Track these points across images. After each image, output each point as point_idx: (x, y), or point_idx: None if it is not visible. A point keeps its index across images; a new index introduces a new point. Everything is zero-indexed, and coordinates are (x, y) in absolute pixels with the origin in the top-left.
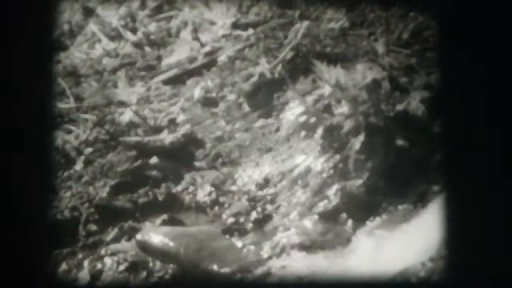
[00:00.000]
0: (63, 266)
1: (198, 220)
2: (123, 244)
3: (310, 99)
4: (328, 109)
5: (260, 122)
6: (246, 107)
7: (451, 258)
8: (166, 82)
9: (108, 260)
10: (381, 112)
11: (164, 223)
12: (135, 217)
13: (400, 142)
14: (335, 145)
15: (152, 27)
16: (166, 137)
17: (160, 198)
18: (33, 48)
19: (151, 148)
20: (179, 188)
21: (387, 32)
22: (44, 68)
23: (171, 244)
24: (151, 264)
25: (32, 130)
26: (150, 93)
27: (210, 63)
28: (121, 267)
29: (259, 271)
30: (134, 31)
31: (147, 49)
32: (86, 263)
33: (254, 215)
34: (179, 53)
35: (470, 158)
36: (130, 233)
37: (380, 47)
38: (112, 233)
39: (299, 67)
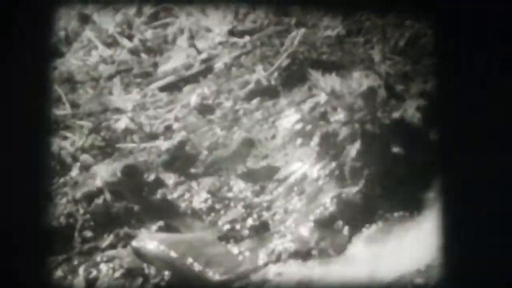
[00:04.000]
0: (59, 273)
1: (193, 226)
2: (119, 251)
3: (306, 106)
4: (324, 116)
5: (256, 129)
6: (242, 114)
7: (447, 265)
8: (162, 89)
9: (103, 267)
10: (377, 119)
11: (160, 229)
12: (131, 223)
13: (396, 149)
14: (331, 152)
15: (149, 34)
16: (162, 144)
17: (156, 205)
18: (31, 55)
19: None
20: (175, 195)
21: (383, 40)
22: (41, 75)
23: (167, 250)
24: (146, 270)
25: (28, 137)
26: (146, 100)
27: (207, 70)
28: (117, 274)
29: (255, 278)
30: (130, 38)
31: (143, 56)
32: (81, 269)
33: (250, 222)
34: (176, 60)
35: (467, 165)
36: (126, 240)
37: (376, 55)
38: (108, 239)
39: (295, 74)
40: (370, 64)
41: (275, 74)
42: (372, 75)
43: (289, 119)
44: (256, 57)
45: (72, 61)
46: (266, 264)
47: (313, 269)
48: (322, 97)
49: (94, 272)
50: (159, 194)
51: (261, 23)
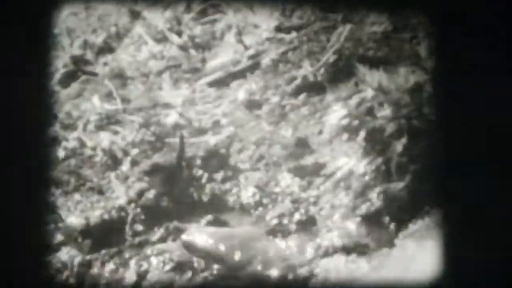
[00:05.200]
0: (110, 266)
1: (242, 221)
2: (169, 244)
3: (352, 102)
4: (370, 112)
5: (303, 125)
6: (289, 110)
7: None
8: (211, 84)
9: (154, 260)
10: (424, 115)
11: (209, 223)
12: (181, 217)
13: None
14: (378, 148)
15: (197, 30)
16: (210, 139)
17: (205, 199)
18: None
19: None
20: (223, 189)
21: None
22: (42, 72)
23: (216, 244)
24: (196, 264)
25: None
26: (194, 95)
27: (254, 66)
28: (167, 267)
29: (302, 272)
30: (179, 34)
31: (192, 51)
32: (132, 262)
33: (297, 216)
34: (224, 56)
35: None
36: (176, 234)
37: (422, 51)
38: (158, 233)
39: (342, 70)
40: (417, 59)
41: (322, 70)
42: (419, 70)
43: (336, 114)
44: (302, 53)
45: (122, 57)
46: (313, 259)
47: (360, 264)
48: (369, 93)
49: (144, 265)
50: (207, 189)
51: (308, 19)
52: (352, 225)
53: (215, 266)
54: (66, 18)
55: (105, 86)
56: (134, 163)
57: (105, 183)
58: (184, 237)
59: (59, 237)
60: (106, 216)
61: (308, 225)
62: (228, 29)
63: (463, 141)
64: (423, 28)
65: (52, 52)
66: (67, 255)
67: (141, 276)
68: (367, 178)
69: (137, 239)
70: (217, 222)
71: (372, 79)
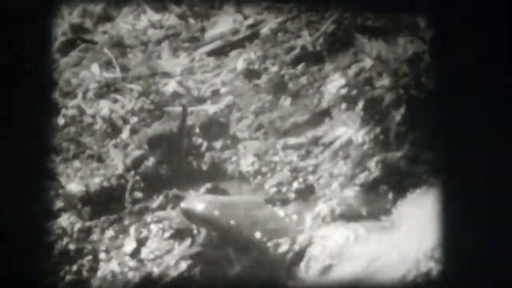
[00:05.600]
0: (110, 232)
1: (241, 189)
2: (168, 212)
3: (351, 71)
4: (369, 81)
5: (302, 95)
6: (288, 79)
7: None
8: (210, 53)
9: (153, 227)
10: (422, 85)
11: (208, 191)
12: (180, 185)
13: None
14: (376, 117)
15: None
16: (209, 108)
17: (204, 167)
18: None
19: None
20: (222, 157)
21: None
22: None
23: (215, 212)
24: (195, 231)
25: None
26: (193, 64)
27: (253, 36)
28: (166, 234)
29: (301, 240)
30: (178, 2)
31: (191, 20)
32: (132, 229)
33: (296, 185)
34: (222, 25)
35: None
36: (175, 201)
37: (421, 21)
38: (158, 200)
39: (341, 40)
40: (416, 29)
41: (321, 40)
42: (417, 41)
43: (334, 84)
44: (301, 22)
45: (121, 25)
46: (311, 227)
47: (358, 233)
48: (367, 62)
49: (144, 232)
50: (207, 157)
51: None
52: (350, 194)
53: (214, 234)
54: None
55: (104, 55)
56: (133, 131)
57: (105, 151)
58: (183, 204)
59: (59, 204)
60: (105, 184)
61: (306, 193)
62: None
63: (461, 111)
64: None
65: (52, 21)
66: (67, 221)
67: (141, 243)
68: (365, 147)
69: (137, 206)
70: (216, 190)
71: (371, 49)
